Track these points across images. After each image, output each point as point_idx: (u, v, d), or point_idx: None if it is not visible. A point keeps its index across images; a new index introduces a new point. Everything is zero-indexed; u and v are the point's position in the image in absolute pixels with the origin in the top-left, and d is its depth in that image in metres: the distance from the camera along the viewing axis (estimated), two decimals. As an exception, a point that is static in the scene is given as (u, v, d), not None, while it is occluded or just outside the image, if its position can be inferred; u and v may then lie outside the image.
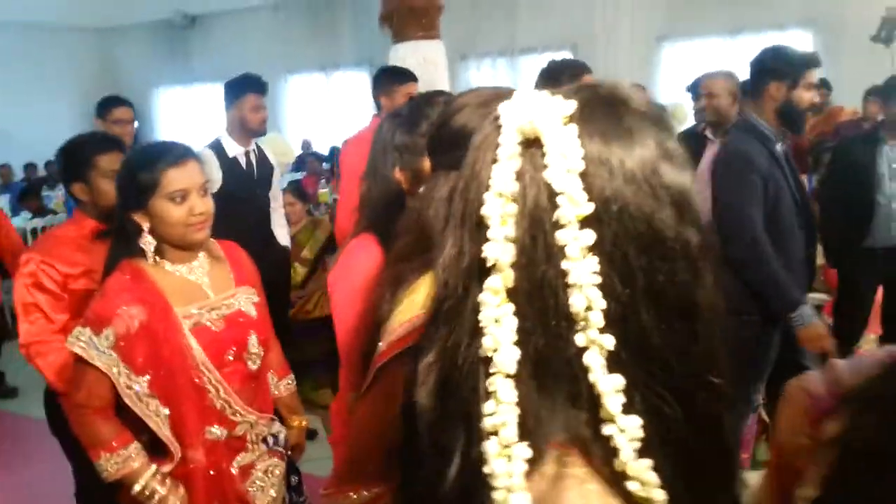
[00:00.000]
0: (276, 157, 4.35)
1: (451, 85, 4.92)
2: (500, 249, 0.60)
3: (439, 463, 0.62)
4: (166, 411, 1.67)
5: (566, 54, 8.72)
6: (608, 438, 0.58)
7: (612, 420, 0.58)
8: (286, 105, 11.37)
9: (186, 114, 11.94)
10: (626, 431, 0.58)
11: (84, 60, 11.42)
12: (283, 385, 1.99)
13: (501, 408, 0.59)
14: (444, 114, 1.20)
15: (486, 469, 0.59)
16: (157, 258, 1.69)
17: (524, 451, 0.58)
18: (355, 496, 1.19)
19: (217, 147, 3.46)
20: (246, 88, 3.57)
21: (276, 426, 1.86)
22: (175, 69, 11.87)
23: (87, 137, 2.41)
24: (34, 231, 6.02)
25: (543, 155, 0.60)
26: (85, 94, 10.41)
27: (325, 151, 9.38)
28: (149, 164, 1.65)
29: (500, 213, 0.61)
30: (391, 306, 1.16)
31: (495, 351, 0.60)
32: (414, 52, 4.92)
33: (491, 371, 0.60)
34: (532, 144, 0.61)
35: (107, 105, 3.39)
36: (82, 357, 1.63)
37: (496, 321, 0.61)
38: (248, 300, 1.82)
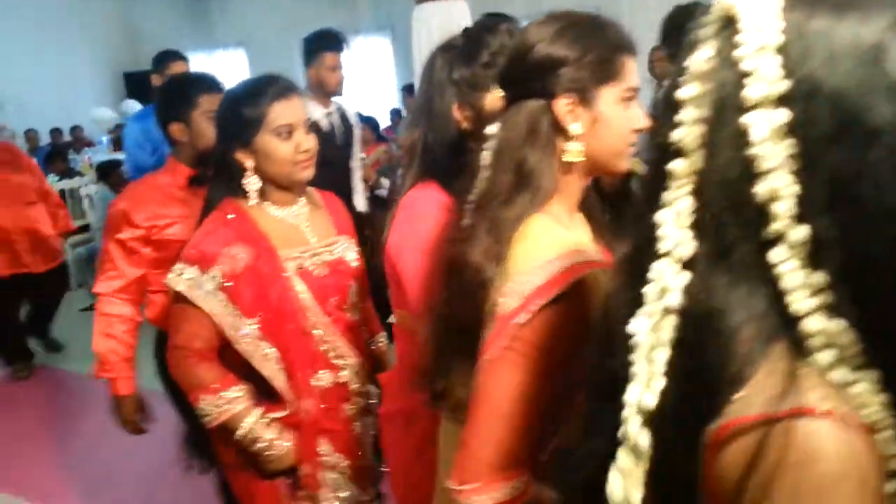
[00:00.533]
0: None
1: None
2: (685, 132, 0.58)
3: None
4: (276, 355, 1.59)
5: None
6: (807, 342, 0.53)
7: (797, 320, 0.53)
8: (303, 71, 11.42)
9: (209, 80, 11.84)
10: (818, 336, 0.53)
11: (107, 27, 11.39)
12: (375, 341, 1.93)
13: (650, 288, 0.57)
14: (522, 43, 1.08)
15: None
16: (260, 200, 1.63)
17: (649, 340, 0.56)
18: (508, 488, 1.00)
19: None
20: (321, 46, 3.36)
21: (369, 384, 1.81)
22: (197, 35, 11.68)
23: (190, 76, 2.39)
24: (62, 192, 6.12)
25: (738, 31, 0.56)
26: (108, 61, 10.64)
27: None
28: (254, 97, 1.58)
29: (692, 95, 0.58)
30: (500, 253, 1.03)
31: (662, 236, 0.58)
32: (438, 12, 4.81)
33: (658, 252, 0.58)
34: (731, 23, 0.57)
35: (164, 59, 3.32)
36: (184, 296, 1.55)
37: (669, 203, 0.58)
38: (348, 248, 1.76)
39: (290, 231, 1.66)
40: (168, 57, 3.34)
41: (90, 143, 9.08)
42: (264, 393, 1.62)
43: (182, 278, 1.56)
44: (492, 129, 1.11)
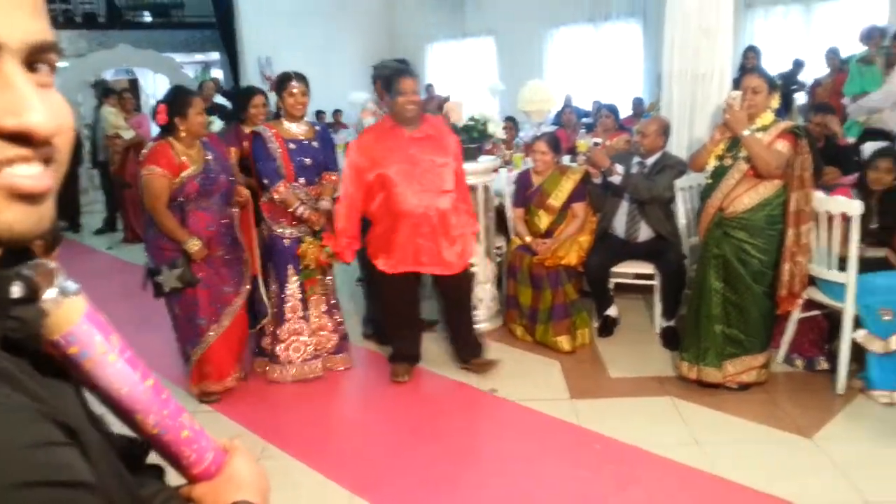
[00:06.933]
0: (538, 104, 5.10)
1: (735, 34, 4.35)
2: None
3: None
4: None
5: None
6: None
7: None
8: (548, 57, 10.95)
9: (455, 66, 11.48)
10: None
11: (369, 20, 12.30)
12: None
13: None
14: None
15: None
16: None
17: None
18: None
19: None
20: None
21: None
22: (449, 25, 11.56)
23: None
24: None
25: None
26: (366, 52, 11.85)
27: (587, 105, 8.79)
28: None
29: None
30: None
31: None
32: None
33: None
34: None
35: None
36: None
37: None
38: None
39: None
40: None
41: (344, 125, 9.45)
42: None
43: None
44: None
